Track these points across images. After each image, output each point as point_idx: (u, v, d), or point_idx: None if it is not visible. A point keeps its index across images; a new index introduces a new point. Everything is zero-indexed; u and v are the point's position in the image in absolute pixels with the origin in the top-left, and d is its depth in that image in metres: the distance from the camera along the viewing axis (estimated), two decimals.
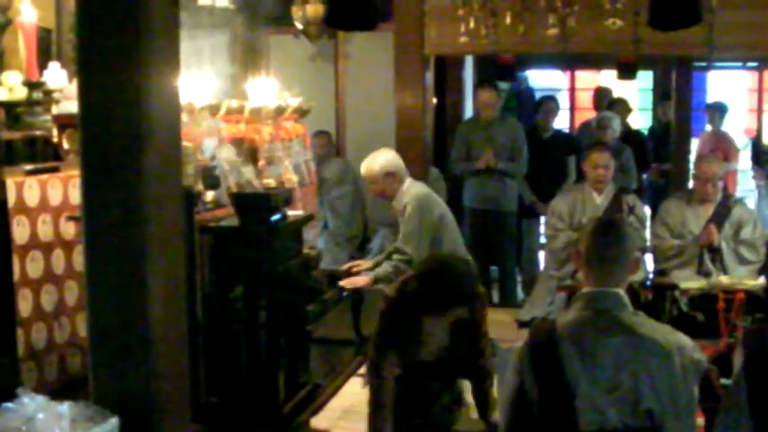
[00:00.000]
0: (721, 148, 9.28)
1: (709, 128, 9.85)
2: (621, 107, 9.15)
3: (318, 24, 7.38)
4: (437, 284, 4.12)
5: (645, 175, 8.87)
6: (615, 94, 9.82)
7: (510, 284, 7.99)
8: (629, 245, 3.08)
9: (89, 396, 2.77)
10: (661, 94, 10.80)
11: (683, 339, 2.94)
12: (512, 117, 8.77)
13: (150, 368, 2.72)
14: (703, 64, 9.12)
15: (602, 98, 9.58)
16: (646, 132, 10.24)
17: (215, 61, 5.18)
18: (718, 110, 9.68)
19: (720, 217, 6.03)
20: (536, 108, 8.70)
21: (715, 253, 5.91)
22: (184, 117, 4.26)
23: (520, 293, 8.13)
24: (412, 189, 5.80)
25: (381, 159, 5.70)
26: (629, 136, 8.68)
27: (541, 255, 8.24)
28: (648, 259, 6.36)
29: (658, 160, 9.14)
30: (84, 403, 2.68)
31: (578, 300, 3.03)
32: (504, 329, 6.73)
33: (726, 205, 6.08)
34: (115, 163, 2.70)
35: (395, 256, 5.62)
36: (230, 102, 5.07)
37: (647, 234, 6.51)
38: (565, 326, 2.95)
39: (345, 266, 5.92)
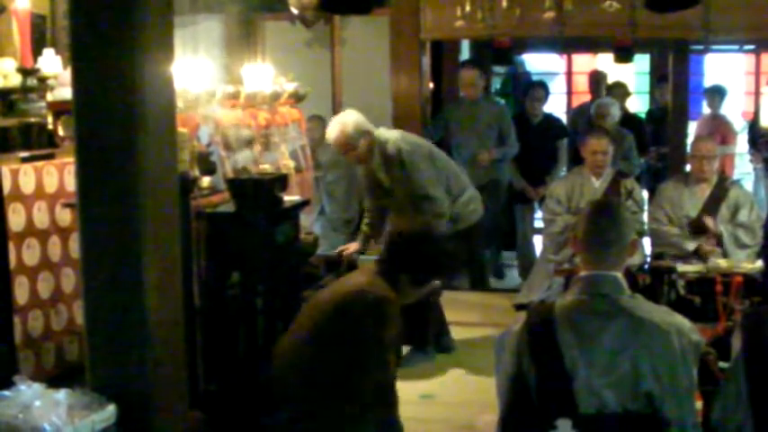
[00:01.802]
0: (720, 131, 9.27)
1: (707, 111, 9.83)
2: (620, 91, 9.12)
3: (314, 9, 7.35)
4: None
5: (643, 159, 8.87)
6: (612, 78, 9.78)
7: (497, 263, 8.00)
8: (626, 228, 3.08)
9: (86, 383, 2.77)
10: (658, 77, 10.79)
11: (682, 321, 2.94)
12: (495, 98, 8.75)
13: (147, 355, 2.72)
14: (700, 47, 9.08)
15: (598, 82, 9.54)
16: (643, 116, 10.23)
17: (210, 47, 5.16)
18: (718, 93, 9.66)
19: (717, 199, 6.03)
20: (524, 94, 8.66)
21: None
22: (179, 103, 4.25)
23: (516, 278, 8.12)
24: (385, 135, 5.74)
25: (351, 120, 5.63)
26: (628, 120, 8.66)
27: (536, 239, 8.24)
28: (646, 243, 6.36)
29: (656, 144, 9.13)
30: (81, 391, 2.68)
31: (576, 283, 3.03)
32: (501, 313, 6.75)
33: (722, 187, 6.08)
34: (110, 149, 2.70)
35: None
36: (226, 87, 5.05)
37: (645, 218, 6.51)
38: (563, 309, 2.95)
39: (337, 250, 5.94)
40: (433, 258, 4.04)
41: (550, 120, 8.57)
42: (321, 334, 3.86)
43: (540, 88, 8.53)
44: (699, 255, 5.77)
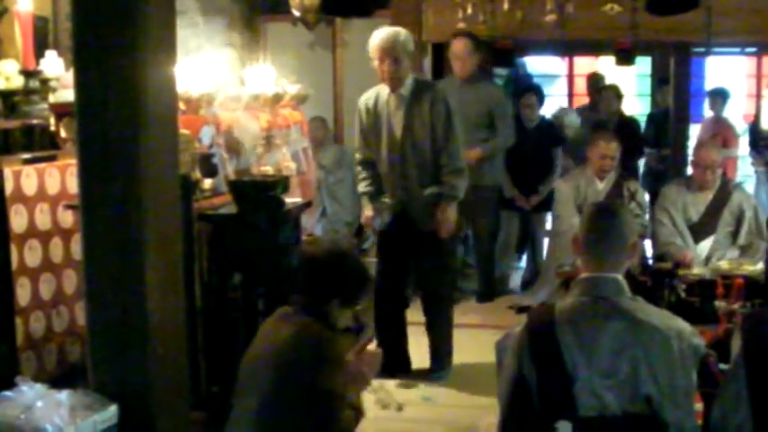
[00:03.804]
0: (722, 134, 9.27)
1: (710, 114, 9.83)
2: (611, 93, 8.79)
3: (315, 11, 7.36)
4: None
5: (642, 161, 8.82)
6: (613, 80, 9.70)
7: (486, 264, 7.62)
8: (627, 229, 3.08)
9: (88, 384, 2.78)
10: (659, 79, 10.78)
11: (682, 324, 2.94)
12: (491, 81, 8.28)
13: (149, 356, 2.72)
14: (702, 50, 9.09)
15: (596, 84, 9.48)
16: (645, 118, 10.21)
17: (212, 49, 5.17)
18: (721, 95, 9.65)
19: (719, 203, 6.02)
20: (517, 99, 8.33)
21: None
22: (181, 105, 4.25)
23: (517, 281, 8.06)
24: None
25: (407, 35, 5.43)
26: (624, 122, 8.50)
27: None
28: (648, 245, 6.35)
29: (658, 146, 9.08)
30: (83, 391, 2.69)
31: (577, 285, 3.03)
32: (503, 316, 6.76)
33: (725, 191, 6.07)
34: (112, 151, 2.70)
35: (446, 176, 5.40)
36: (228, 89, 5.06)
37: (647, 220, 6.50)
38: (563, 311, 2.95)
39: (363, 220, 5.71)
40: (357, 270, 3.71)
41: (547, 125, 8.06)
42: (269, 401, 3.32)
43: (532, 94, 7.91)
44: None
